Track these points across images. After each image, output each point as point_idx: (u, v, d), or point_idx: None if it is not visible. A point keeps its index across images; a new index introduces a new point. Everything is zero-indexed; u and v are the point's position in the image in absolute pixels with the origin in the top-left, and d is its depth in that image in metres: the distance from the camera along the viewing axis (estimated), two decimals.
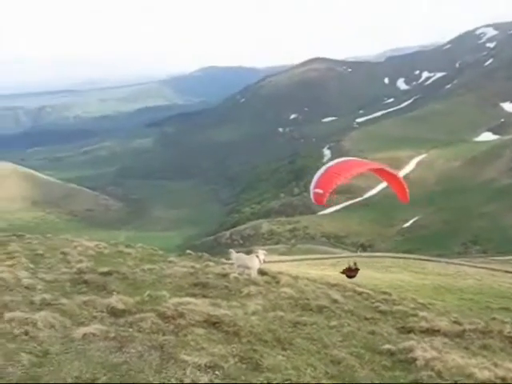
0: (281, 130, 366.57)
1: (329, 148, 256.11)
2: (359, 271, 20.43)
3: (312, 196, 14.66)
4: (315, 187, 14.39)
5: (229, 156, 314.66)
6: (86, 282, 13.82)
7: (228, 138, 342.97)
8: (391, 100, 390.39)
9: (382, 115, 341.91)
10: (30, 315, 8.82)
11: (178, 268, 19.11)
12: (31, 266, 17.89)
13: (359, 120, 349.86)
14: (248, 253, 20.99)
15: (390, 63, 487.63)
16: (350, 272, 19.33)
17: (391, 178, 17.25)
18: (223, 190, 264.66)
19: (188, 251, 30.19)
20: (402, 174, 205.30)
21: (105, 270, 16.36)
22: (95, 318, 9.72)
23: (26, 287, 12.71)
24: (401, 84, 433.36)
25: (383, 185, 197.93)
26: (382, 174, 17.02)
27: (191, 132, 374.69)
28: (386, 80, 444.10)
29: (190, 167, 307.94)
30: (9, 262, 17.60)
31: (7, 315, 8.77)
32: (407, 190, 17.03)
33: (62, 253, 22.20)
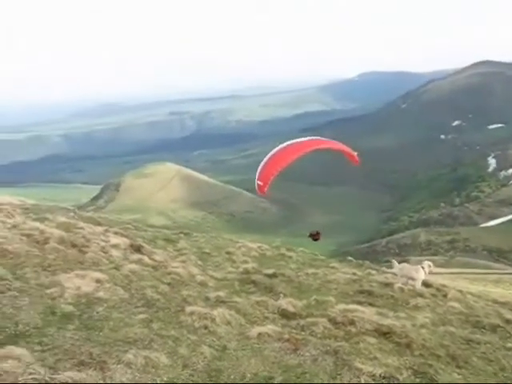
0: (443, 136, 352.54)
1: (494, 157, 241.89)
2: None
3: (256, 186, 15.49)
4: (257, 178, 15.32)
5: (387, 163, 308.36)
6: (253, 282, 14.26)
7: (387, 144, 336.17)
8: None
9: None
10: (208, 310, 9.27)
11: (341, 274, 19.11)
12: (199, 263, 18.79)
13: None
14: (404, 262, 20.51)
15: None
16: (314, 236, 18.55)
17: (336, 146, 17.61)
18: (380, 197, 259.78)
19: (349, 258, 30.09)
20: None
21: (270, 271, 16.78)
22: (267, 318, 9.99)
23: (199, 283, 13.39)
24: None
25: None
26: (327, 146, 17.59)
27: (349, 137, 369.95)
28: None
29: (347, 173, 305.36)
30: (180, 259, 18.63)
31: (188, 309, 9.29)
32: (354, 155, 17.61)
33: (227, 252, 23.08)
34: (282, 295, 12.76)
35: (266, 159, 15.79)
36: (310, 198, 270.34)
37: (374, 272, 22.64)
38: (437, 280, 23.90)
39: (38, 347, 7.18)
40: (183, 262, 17.62)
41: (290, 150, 16.12)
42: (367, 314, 10.78)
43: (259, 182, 15.19)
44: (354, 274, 20.11)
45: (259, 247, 26.43)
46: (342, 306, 11.20)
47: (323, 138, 17.79)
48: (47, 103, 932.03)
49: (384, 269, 27.60)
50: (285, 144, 16.56)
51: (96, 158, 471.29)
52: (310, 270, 18.92)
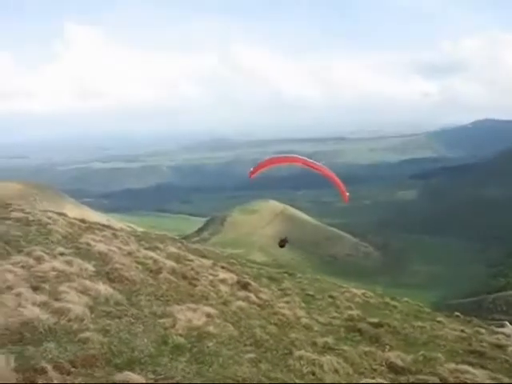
0: None
1: None
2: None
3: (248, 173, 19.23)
4: (252, 167, 19.21)
5: (498, 215, 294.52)
6: (359, 330, 14.00)
7: (499, 194, 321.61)
8: None
9: None
10: (317, 357, 9.19)
11: (449, 330, 18.35)
12: (303, 305, 18.70)
13: None
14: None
15: None
16: (281, 242, 23.57)
17: (331, 177, 20.65)
18: (489, 251, 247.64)
19: (456, 313, 28.83)
20: None
21: (375, 320, 16.39)
22: (375, 370, 9.78)
23: (304, 326, 13.33)
24: None
25: None
26: (322, 172, 20.69)
27: (458, 186, 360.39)
28: None
29: (453, 223, 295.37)
30: (285, 299, 18.65)
31: (296, 353, 9.26)
32: (345, 190, 20.62)
33: (331, 296, 22.80)
34: (388, 347, 12.46)
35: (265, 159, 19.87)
36: (414, 246, 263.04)
37: (483, 331, 21.59)
38: None
39: (151, 375, 7.42)
40: (287, 302, 17.64)
41: (287, 158, 21.04)
42: (480, 376, 10.31)
43: (251, 169, 19.29)
44: (463, 331, 19.25)
45: (363, 294, 25.96)
46: (451, 366, 10.77)
47: (324, 167, 21.30)
48: (163, 135, 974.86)
49: (493, 328, 26.25)
50: (285, 155, 21.67)
51: (203, 190, 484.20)
52: (417, 323, 18.29)
